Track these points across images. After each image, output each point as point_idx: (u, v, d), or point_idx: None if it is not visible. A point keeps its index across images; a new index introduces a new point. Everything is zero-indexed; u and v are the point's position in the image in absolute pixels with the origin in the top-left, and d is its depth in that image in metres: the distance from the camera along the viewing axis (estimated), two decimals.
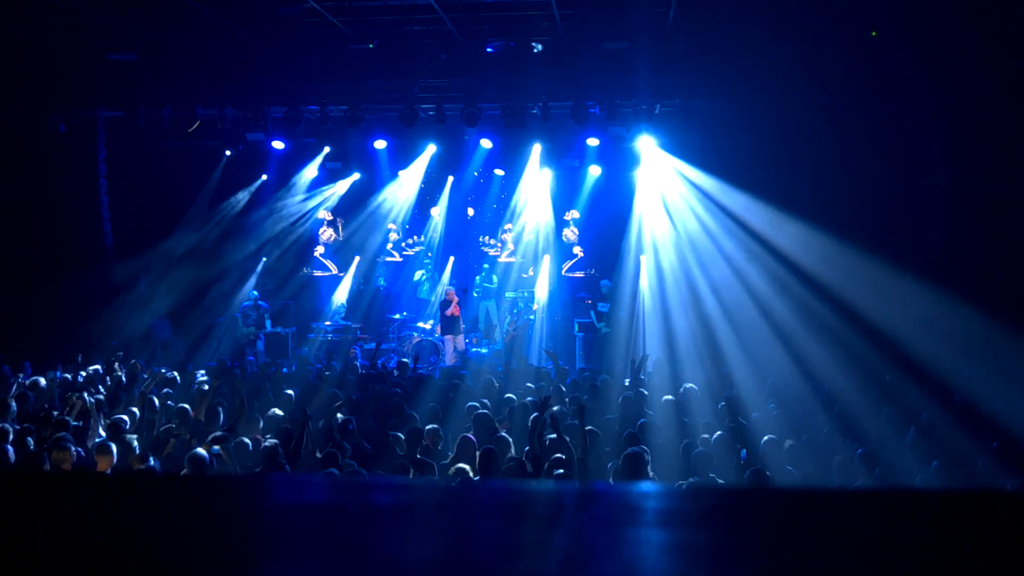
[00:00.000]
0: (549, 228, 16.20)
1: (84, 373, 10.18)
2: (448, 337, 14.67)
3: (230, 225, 16.17)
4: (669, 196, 14.98)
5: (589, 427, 6.88)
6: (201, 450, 6.16)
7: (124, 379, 9.69)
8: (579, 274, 16.16)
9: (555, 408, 8.52)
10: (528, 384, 9.98)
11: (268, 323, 15.08)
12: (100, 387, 9.56)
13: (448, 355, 14.32)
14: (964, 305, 11.43)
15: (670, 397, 8.77)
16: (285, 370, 11.62)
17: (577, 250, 16.22)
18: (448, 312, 14.69)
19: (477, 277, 16.11)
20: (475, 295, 15.91)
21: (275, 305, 15.70)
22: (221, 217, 16.10)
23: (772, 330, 12.70)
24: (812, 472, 6.08)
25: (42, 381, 9.46)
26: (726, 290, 13.49)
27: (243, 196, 16.34)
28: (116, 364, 10.52)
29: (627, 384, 10.12)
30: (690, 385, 9.59)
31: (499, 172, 16.38)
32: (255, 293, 15.45)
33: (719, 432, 7.40)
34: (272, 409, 8.25)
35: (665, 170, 14.79)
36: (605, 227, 15.99)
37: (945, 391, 9.66)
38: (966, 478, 6.09)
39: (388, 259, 16.82)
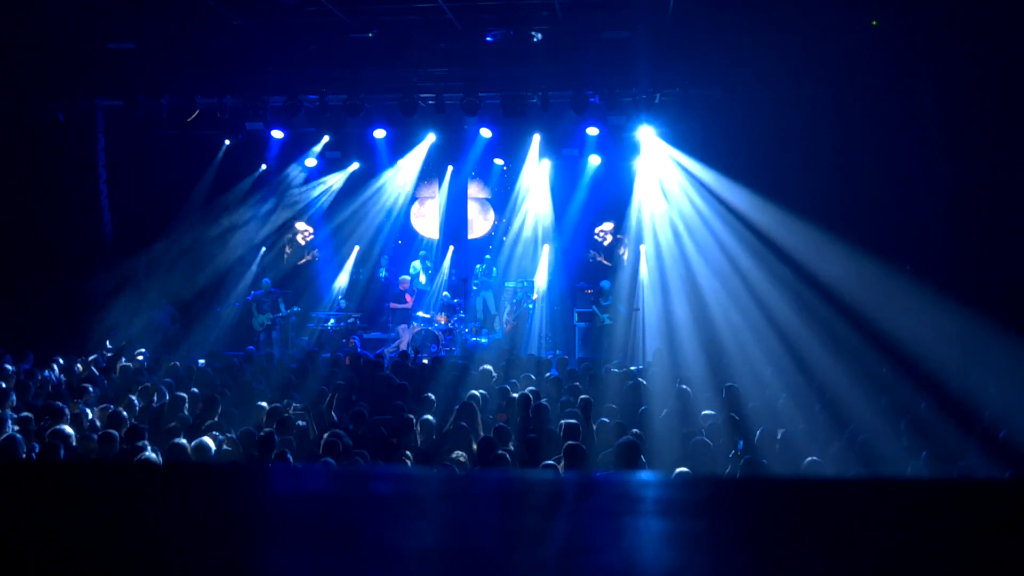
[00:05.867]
0: (548, 218, 16.17)
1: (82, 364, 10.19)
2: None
3: (230, 214, 16.12)
4: (668, 185, 14.94)
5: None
6: (207, 439, 6.19)
7: (131, 367, 9.71)
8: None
9: (543, 400, 8.56)
10: (528, 375, 10.00)
11: (283, 306, 15.13)
12: (103, 378, 9.58)
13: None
14: (963, 299, 11.42)
15: (669, 386, 8.79)
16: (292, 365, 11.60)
17: None
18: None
19: (478, 267, 16.09)
20: (474, 287, 15.88)
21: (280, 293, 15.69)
22: (221, 206, 16.05)
23: (770, 320, 12.70)
24: (808, 462, 6.11)
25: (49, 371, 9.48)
26: (725, 279, 13.48)
27: (243, 185, 16.30)
28: (120, 354, 10.53)
29: (626, 373, 10.15)
30: (689, 376, 9.62)
31: (499, 161, 16.39)
32: (267, 280, 15.48)
33: (717, 422, 7.43)
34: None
35: (663, 159, 14.76)
36: (605, 217, 15.97)
37: (940, 384, 9.67)
38: (959, 469, 6.12)
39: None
